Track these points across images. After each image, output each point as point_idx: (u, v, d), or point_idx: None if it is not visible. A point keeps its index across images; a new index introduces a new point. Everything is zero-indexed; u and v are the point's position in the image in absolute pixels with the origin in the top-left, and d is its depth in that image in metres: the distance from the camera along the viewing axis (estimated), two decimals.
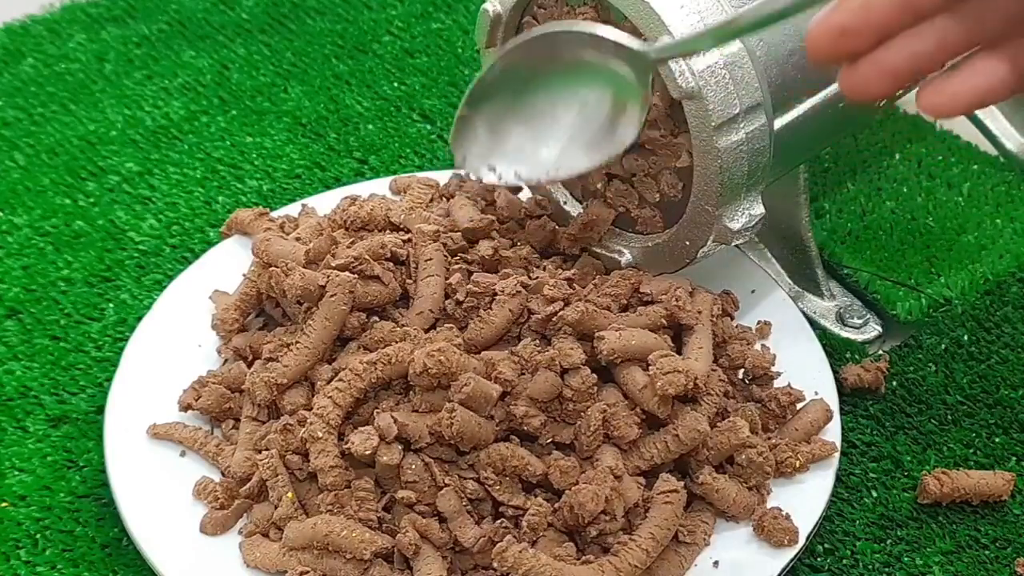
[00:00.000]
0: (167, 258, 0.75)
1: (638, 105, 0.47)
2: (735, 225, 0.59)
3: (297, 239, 0.65)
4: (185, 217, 0.78)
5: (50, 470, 0.63)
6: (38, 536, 0.60)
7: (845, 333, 0.70)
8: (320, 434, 0.55)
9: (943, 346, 0.69)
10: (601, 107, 0.48)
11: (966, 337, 0.69)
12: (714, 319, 0.62)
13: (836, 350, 0.68)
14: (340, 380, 0.56)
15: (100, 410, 0.64)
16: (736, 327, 0.65)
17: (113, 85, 0.90)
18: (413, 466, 0.55)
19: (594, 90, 0.48)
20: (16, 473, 0.63)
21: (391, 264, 0.61)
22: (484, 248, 0.62)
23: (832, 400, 0.62)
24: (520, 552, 0.52)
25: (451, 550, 0.55)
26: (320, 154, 0.84)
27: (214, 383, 0.62)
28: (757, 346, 0.64)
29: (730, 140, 0.56)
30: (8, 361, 0.69)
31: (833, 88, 0.61)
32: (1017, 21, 0.41)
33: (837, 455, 0.60)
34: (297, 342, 0.58)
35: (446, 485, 0.55)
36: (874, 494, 0.62)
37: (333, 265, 0.60)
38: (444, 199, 0.69)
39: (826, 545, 0.60)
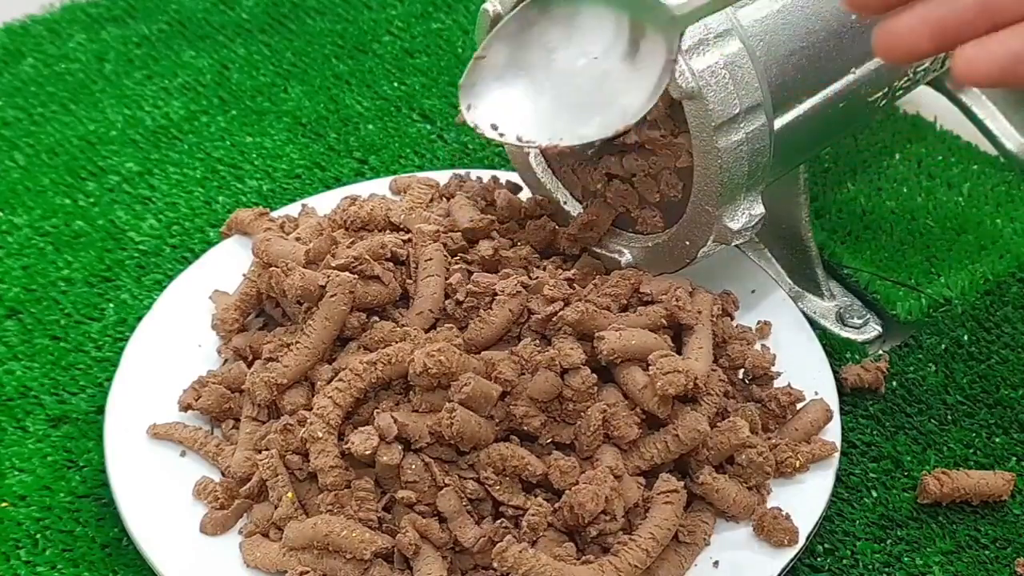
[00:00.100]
0: (167, 258, 0.75)
1: (657, 73, 0.45)
2: (735, 225, 0.59)
3: (297, 239, 0.65)
4: (185, 217, 0.78)
5: (50, 470, 0.63)
6: (38, 536, 0.60)
7: (845, 333, 0.70)
8: (320, 434, 0.55)
9: (943, 346, 0.69)
10: (618, 73, 0.46)
11: (966, 337, 0.69)
12: (714, 319, 0.62)
13: (836, 350, 0.68)
14: (340, 380, 0.56)
15: (100, 410, 0.64)
16: (736, 327, 0.65)
17: (113, 85, 0.90)
18: (413, 466, 0.55)
19: (613, 54, 0.46)
20: (16, 473, 0.63)
21: (391, 264, 0.61)
22: (484, 248, 0.62)
23: (832, 400, 0.62)
24: (520, 552, 0.52)
25: (451, 550, 0.55)
26: (320, 154, 0.84)
27: (214, 383, 0.62)
28: (757, 346, 0.64)
29: (730, 140, 0.56)
30: (8, 361, 0.69)
31: (833, 88, 0.61)
32: None
33: (837, 455, 0.60)
34: (297, 342, 0.58)
35: (446, 485, 0.55)
36: (874, 494, 0.62)
37: (333, 265, 0.60)
38: (444, 199, 0.69)
39: (826, 545, 0.60)
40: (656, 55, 0.45)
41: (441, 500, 0.55)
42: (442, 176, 0.72)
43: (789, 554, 0.56)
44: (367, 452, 0.54)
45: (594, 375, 0.56)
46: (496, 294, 0.59)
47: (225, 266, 0.69)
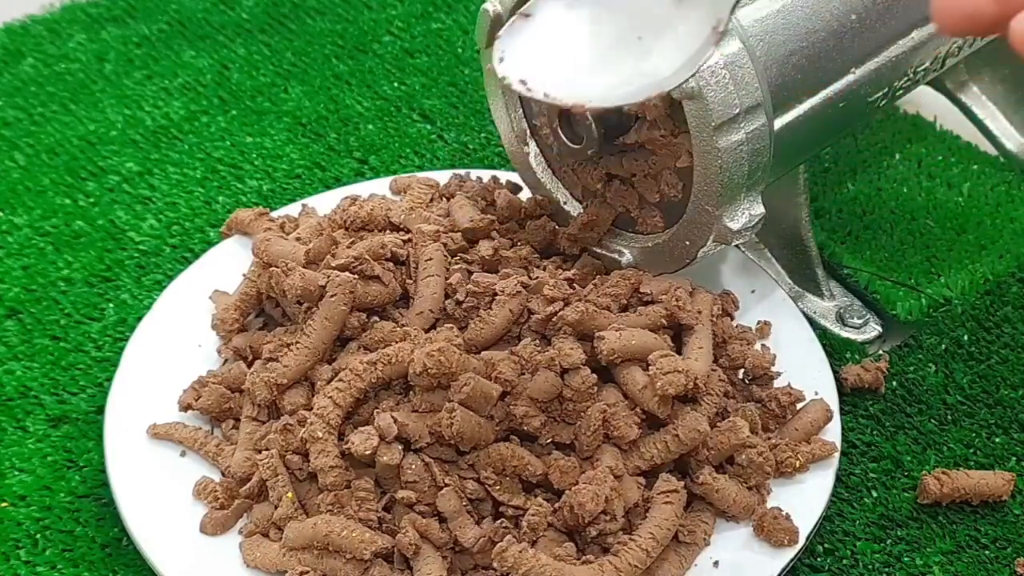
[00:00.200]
0: (167, 258, 0.75)
1: (699, 44, 0.43)
2: (735, 225, 0.59)
3: (297, 239, 0.66)
4: (185, 217, 0.78)
5: (50, 470, 0.63)
6: (38, 536, 0.60)
7: (845, 333, 0.70)
8: (320, 434, 0.55)
9: (943, 346, 0.69)
10: (657, 41, 0.45)
11: (966, 337, 0.69)
12: (714, 319, 0.62)
13: (836, 350, 0.68)
14: (340, 380, 0.56)
15: (100, 410, 0.64)
16: (736, 327, 0.65)
17: (113, 85, 0.90)
18: (413, 466, 0.55)
19: (655, 21, 0.45)
20: (16, 473, 0.63)
21: (391, 264, 0.61)
22: (484, 248, 0.62)
23: (832, 400, 0.62)
24: (520, 552, 0.52)
25: (451, 550, 0.55)
26: (320, 154, 0.84)
27: (214, 383, 0.62)
28: (757, 346, 0.64)
29: (730, 140, 0.56)
30: (8, 361, 0.69)
31: (833, 88, 0.61)
32: None
33: (837, 455, 0.60)
34: (297, 342, 0.58)
35: (446, 485, 0.55)
36: (874, 494, 0.62)
37: (333, 265, 0.60)
38: (444, 199, 0.69)
39: (826, 545, 0.60)
40: (701, 24, 0.43)
41: (441, 500, 0.55)
42: (442, 176, 0.72)
43: (789, 554, 0.56)
44: (367, 452, 0.54)
45: (594, 375, 0.56)
46: (496, 294, 0.59)
47: (225, 266, 0.69)
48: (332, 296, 0.58)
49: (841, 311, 0.70)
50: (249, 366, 0.62)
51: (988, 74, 0.80)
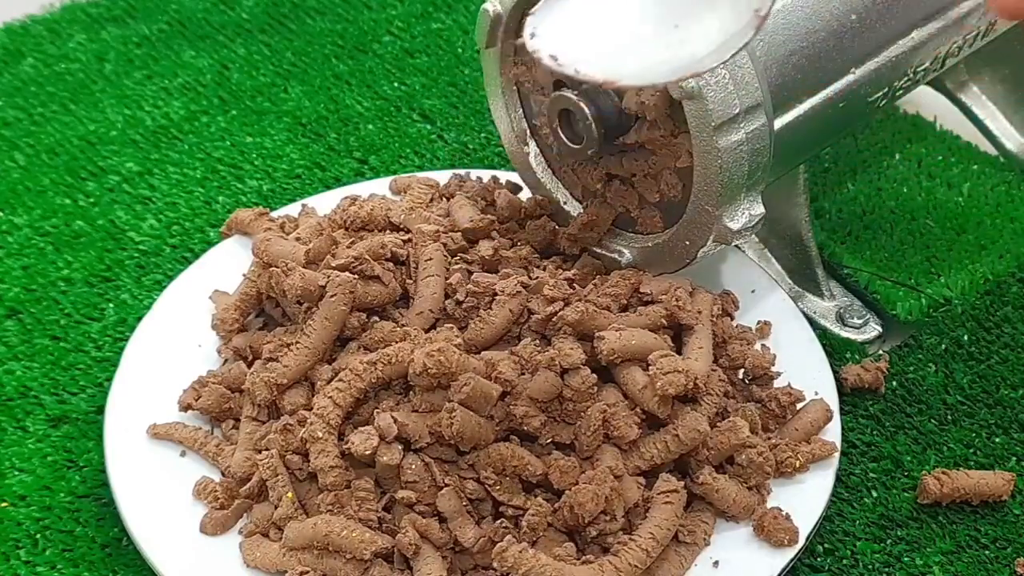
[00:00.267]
0: (167, 258, 0.75)
1: (740, 25, 0.42)
2: (735, 225, 0.59)
3: (297, 239, 0.65)
4: (185, 217, 0.78)
5: (50, 470, 0.63)
6: (38, 536, 0.60)
7: (845, 333, 0.70)
8: (320, 434, 0.55)
9: (943, 346, 0.69)
10: (697, 19, 0.43)
11: (966, 337, 0.69)
12: (714, 319, 0.62)
13: (836, 350, 0.68)
14: (340, 380, 0.56)
15: (100, 410, 0.64)
16: (736, 327, 0.65)
17: (113, 85, 0.90)
18: (413, 466, 0.55)
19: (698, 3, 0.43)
20: (16, 473, 0.63)
21: (391, 264, 0.61)
22: (484, 248, 0.62)
23: (832, 400, 0.62)
24: (520, 552, 0.52)
25: (451, 550, 0.55)
26: (320, 154, 0.84)
27: (214, 383, 0.62)
28: (757, 346, 0.64)
29: (730, 140, 0.56)
30: (8, 361, 0.69)
31: (833, 88, 0.61)
32: None
33: (837, 455, 0.60)
34: (297, 342, 0.58)
35: (446, 485, 0.55)
36: (874, 494, 0.62)
37: (333, 265, 0.60)
38: (444, 199, 0.69)
39: (826, 545, 0.59)
40: (742, 7, 0.43)
41: (441, 500, 0.55)
42: (442, 176, 0.72)
43: (789, 554, 0.56)
44: (367, 452, 0.54)
45: (594, 375, 0.56)
46: (496, 294, 0.59)
47: (225, 266, 0.69)
48: (332, 296, 0.58)
49: (841, 311, 0.70)
50: (249, 366, 0.62)
51: (988, 74, 0.80)
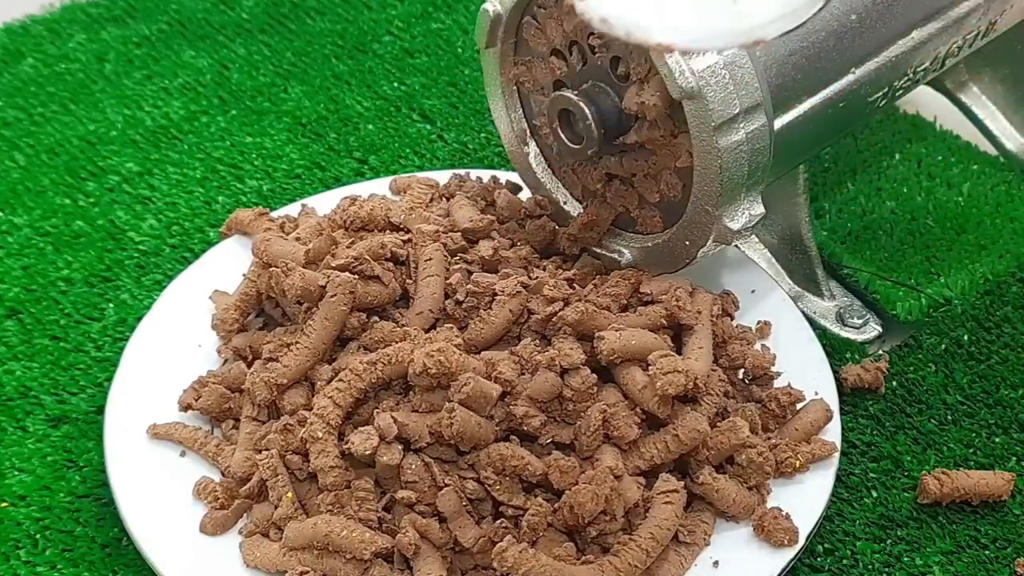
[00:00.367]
0: (167, 258, 0.75)
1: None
2: (735, 225, 0.59)
3: (297, 239, 0.65)
4: (185, 217, 0.78)
5: (50, 470, 0.63)
6: (38, 536, 0.60)
7: (845, 333, 0.70)
8: (320, 434, 0.55)
9: (943, 346, 0.69)
10: None
11: (966, 337, 0.69)
12: (714, 319, 0.62)
13: (836, 350, 0.68)
14: (340, 380, 0.56)
15: (100, 410, 0.64)
16: (736, 327, 0.65)
17: (113, 85, 0.90)
18: (413, 466, 0.55)
19: None
20: (16, 473, 0.63)
21: (391, 264, 0.61)
22: (484, 248, 0.62)
23: (832, 400, 0.62)
24: (520, 552, 0.52)
25: (451, 550, 0.55)
26: (320, 154, 0.84)
27: (214, 383, 0.62)
28: (757, 346, 0.64)
29: (730, 140, 0.56)
30: (8, 361, 0.69)
31: (833, 88, 0.61)
32: None
33: (837, 455, 0.60)
34: (297, 342, 0.58)
35: (446, 485, 0.55)
36: (874, 494, 0.62)
37: (333, 265, 0.60)
38: (444, 199, 0.69)
39: (826, 545, 0.60)
40: None
41: (441, 500, 0.55)
42: (442, 176, 0.72)
43: (789, 554, 0.56)
44: (367, 452, 0.54)
45: (594, 375, 0.56)
46: (496, 294, 0.59)
47: (225, 266, 0.69)
48: (332, 296, 0.58)
49: (841, 311, 0.70)
50: (249, 366, 0.62)
51: (988, 74, 0.80)
